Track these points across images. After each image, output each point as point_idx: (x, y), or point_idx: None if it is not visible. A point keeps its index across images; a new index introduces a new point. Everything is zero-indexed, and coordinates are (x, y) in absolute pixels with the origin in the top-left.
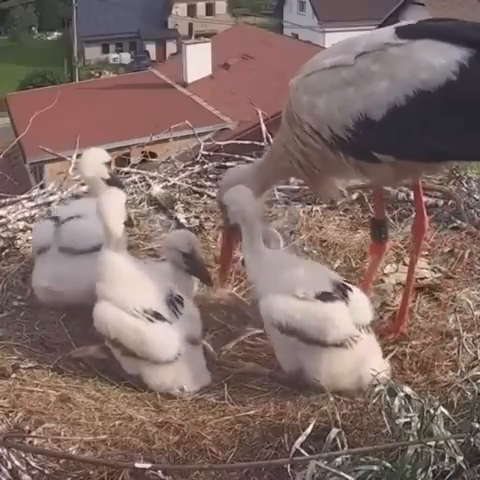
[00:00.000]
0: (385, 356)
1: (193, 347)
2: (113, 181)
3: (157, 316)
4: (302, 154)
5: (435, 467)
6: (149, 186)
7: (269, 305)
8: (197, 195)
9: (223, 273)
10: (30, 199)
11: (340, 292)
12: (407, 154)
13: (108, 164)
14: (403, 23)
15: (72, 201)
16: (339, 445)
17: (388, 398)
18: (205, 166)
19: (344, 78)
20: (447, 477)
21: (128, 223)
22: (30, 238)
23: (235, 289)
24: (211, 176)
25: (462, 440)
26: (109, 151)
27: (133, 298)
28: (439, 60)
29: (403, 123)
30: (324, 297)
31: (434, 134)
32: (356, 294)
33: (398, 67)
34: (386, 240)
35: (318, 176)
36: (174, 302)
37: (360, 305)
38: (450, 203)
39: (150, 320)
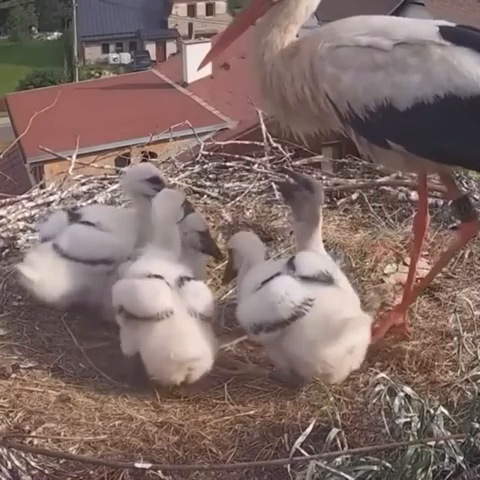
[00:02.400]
0: (385, 356)
1: (197, 321)
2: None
3: (156, 276)
4: (300, 99)
5: (435, 467)
6: None
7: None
8: (197, 195)
9: (219, 46)
10: (30, 199)
11: None
12: (420, 150)
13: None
14: (444, 23)
15: (96, 206)
16: (339, 445)
17: (388, 398)
18: (205, 166)
19: (377, 61)
20: (447, 477)
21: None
22: (30, 238)
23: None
24: (211, 176)
25: (462, 440)
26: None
27: (142, 268)
28: (477, 70)
29: (425, 120)
30: None
31: (452, 138)
32: None
33: (435, 66)
34: (477, 216)
35: (299, 116)
36: (183, 278)
37: None
38: (450, 203)
39: (148, 276)
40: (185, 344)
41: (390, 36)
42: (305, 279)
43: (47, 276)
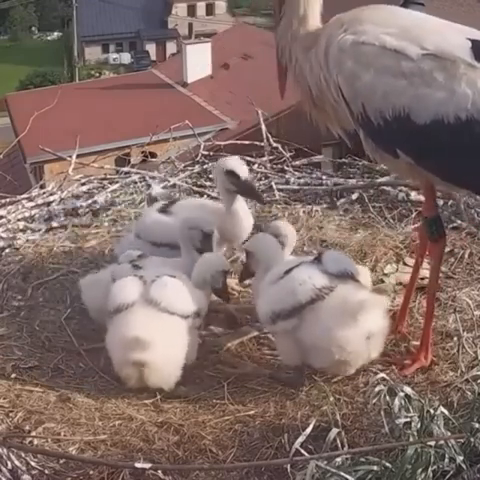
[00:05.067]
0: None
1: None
2: None
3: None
4: (320, 89)
5: (435, 467)
6: (149, 186)
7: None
8: (197, 195)
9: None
10: (30, 199)
11: None
12: (430, 166)
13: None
14: (477, 34)
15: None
16: (339, 445)
17: (388, 398)
18: (205, 166)
19: (402, 68)
20: (447, 477)
21: None
22: (30, 238)
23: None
24: (211, 176)
25: (462, 440)
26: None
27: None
28: None
29: (441, 138)
30: None
31: (466, 161)
32: None
33: (461, 86)
34: (444, 235)
35: (323, 110)
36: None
37: None
38: (450, 203)
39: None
40: (133, 326)
41: (419, 43)
42: (329, 274)
43: None
